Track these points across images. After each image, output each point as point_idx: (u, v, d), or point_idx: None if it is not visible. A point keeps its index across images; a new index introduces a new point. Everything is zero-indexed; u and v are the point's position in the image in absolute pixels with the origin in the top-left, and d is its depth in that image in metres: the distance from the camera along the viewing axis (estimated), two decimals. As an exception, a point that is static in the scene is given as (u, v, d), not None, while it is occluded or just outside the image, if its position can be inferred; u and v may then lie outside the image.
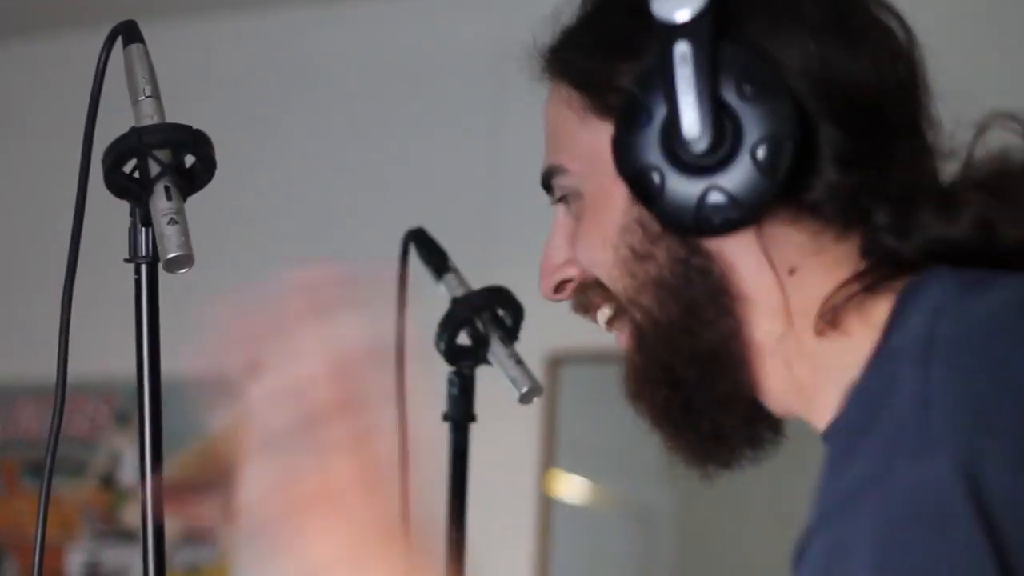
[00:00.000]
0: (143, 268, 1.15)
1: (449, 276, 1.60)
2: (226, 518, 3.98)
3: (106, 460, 4.13)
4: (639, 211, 1.11)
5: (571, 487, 3.81)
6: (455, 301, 1.56)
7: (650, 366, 1.14)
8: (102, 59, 1.18)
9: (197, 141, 1.14)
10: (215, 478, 4.01)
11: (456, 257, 1.63)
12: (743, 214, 1.06)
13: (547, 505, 3.70)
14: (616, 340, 1.17)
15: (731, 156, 1.05)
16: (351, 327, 1.04)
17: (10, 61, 4.48)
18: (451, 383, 1.57)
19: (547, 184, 1.21)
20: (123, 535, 4.07)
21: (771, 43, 1.08)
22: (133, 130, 1.14)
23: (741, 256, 1.10)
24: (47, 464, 1.16)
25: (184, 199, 1.13)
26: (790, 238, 1.10)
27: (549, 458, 3.70)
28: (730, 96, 1.05)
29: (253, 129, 4.10)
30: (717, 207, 1.06)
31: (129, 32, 1.19)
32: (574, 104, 1.17)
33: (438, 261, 1.61)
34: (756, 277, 1.10)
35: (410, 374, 1.64)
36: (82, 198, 1.18)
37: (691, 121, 1.05)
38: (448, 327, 1.54)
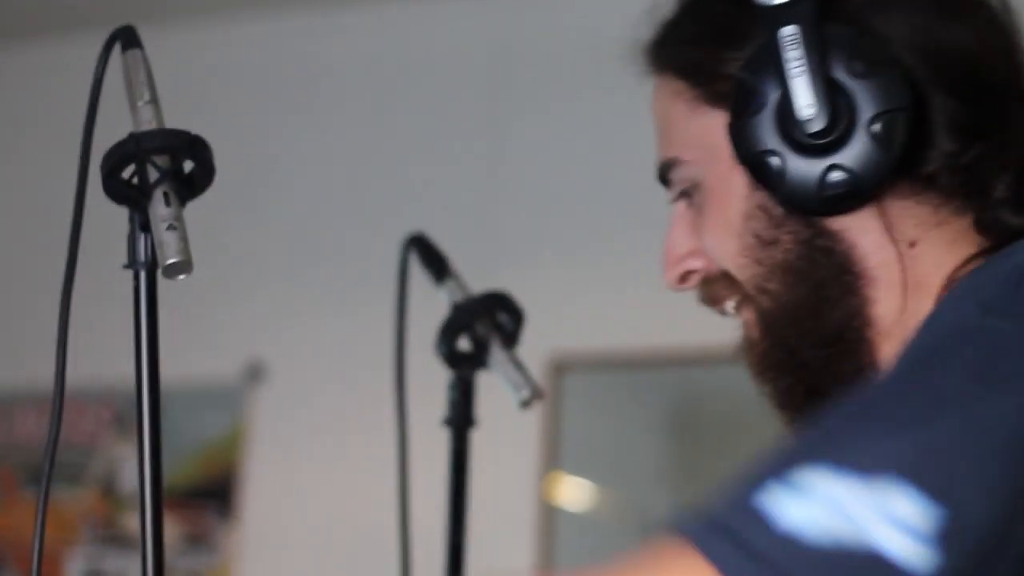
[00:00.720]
0: (142, 274, 1.14)
1: (449, 281, 1.60)
2: (226, 524, 3.97)
3: (105, 467, 4.12)
4: (760, 196, 1.12)
5: (572, 492, 3.80)
6: (455, 306, 1.56)
7: (777, 351, 1.14)
8: (100, 64, 1.18)
9: (196, 147, 1.14)
10: (215, 484, 4.01)
11: (456, 262, 1.63)
12: (864, 190, 1.08)
13: (548, 510, 3.69)
14: (742, 327, 1.18)
15: (848, 133, 1.07)
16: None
17: (8, 66, 4.48)
18: (452, 388, 1.57)
19: (664, 178, 1.20)
20: (122, 542, 4.07)
21: (875, 18, 1.09)
22: (132, 136, 1.14)
23: (863, 233, 1.11)
24: (46, 471, 1.16)
25: (183, 205, 1.12)
26: (910, 211, 1.11)
27: (551, 463, 3.70)
28: (841, 74, 1.07)
29: (252, 135, 4.10)
30: (839, 185, 1.08)
31: (128, 37, 1.18)
32: (683, 95, 1.17)
33: (438, 266, 1.61)
34: (878, 253, 1.11)
35: (410, 379, 1.64)
36: (80, 204, 1.17)
37: (805, 102, 1.06)
38: (448, 332, 1.54)
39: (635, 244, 3.83)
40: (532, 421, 3.62)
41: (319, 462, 3.91)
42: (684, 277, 1.20)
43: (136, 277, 1.14)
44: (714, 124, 1.13)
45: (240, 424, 4.01)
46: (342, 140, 4.11)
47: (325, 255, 4.04)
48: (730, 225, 1.14)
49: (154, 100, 1.16)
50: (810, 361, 1.13)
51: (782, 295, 1.12)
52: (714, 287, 1.18)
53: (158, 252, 1.10)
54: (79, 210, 1.17)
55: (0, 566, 4.19)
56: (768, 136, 1.09)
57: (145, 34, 1.21)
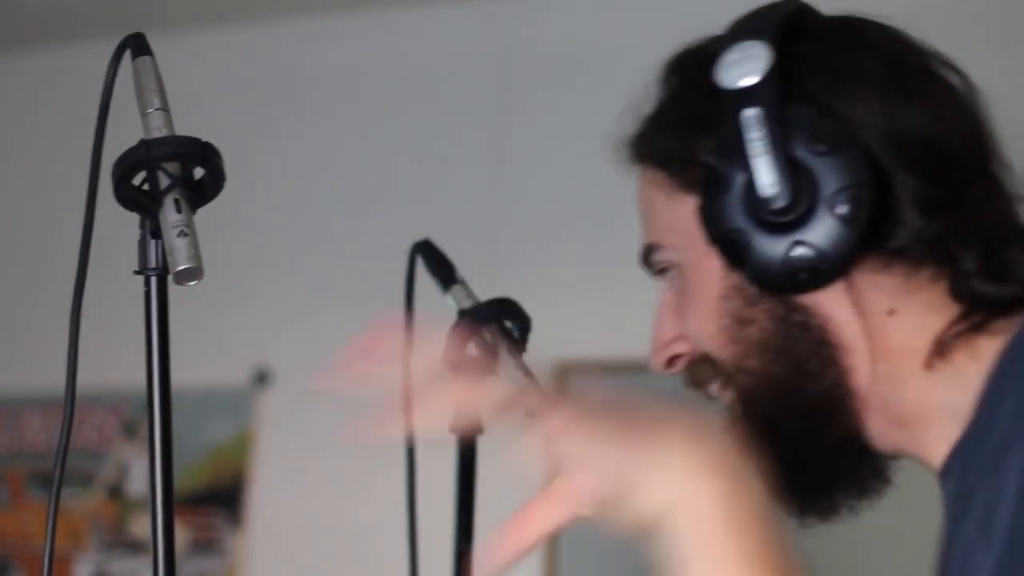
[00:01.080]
0: (153, 280, 1.15)
1: (456, 287, 1.60)
2: (233, 528, 3.98)
3: (114, 471, 4.13)
4: (735, 277, 1.14)
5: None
6: (462, 312, 1.56)
7: (759, 425, 1.16)
8: (111, 71, 1.18)
9: (206, 153, 1.14)
10: (222, 489, 4.01)
11: (460, 269, 1.64)
12: (830, 266, 1.10)
13: (554, 516, 3.69)
14: (727, 408, 1.20)
15: (811, 211, 1.09)
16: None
17: (19, 72, 4.48)
18: (459, 395, 1.56)
19: (647, 261, 1.25)
20: (131, 546, 4.07)
21: (836, 101, 1.12)
22: (142, 142, 1.14)
23: (836, 307, 1.13)
24: (56, 475, 1.16)
25: (194, 211, 1.13)
26: (882, 283, 1.13)
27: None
28: (802, 153, 1.09)
29: (259, 140, 4.11)
30: (804, 261, 1.10)
31: (138, 44, 1.19)
32: (661, 183, 1.21)
33: (445, 272, 1.61)
34: (853, 324, 1.13)
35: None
36: (91, 210, 1.17)
37: (767, 180, 1.09)
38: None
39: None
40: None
41: (326, 467, 3.91)
42: (670, 362, 1.24)
43: (147, 283, 1.15)
44: (689, 209, 1.17)
45: (247, 429, 4.01)
46: (348, 146, 4.12)
47: (332, 261, 4.04)
48: (709, 307, 1.17)
49: (164, 107, 1.16)
50: (793, 433, 1.15)
51: (761, 372, 1.15)
52: (698, 370, 1.21)
53: (169, 258, 1.11)
54: (90, 216, 1.17)
55: (8, 570, 4.19)
56: (735, 215, 1.12)
57: (156, 40, 1.21)
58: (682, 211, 1.18)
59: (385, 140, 4.08)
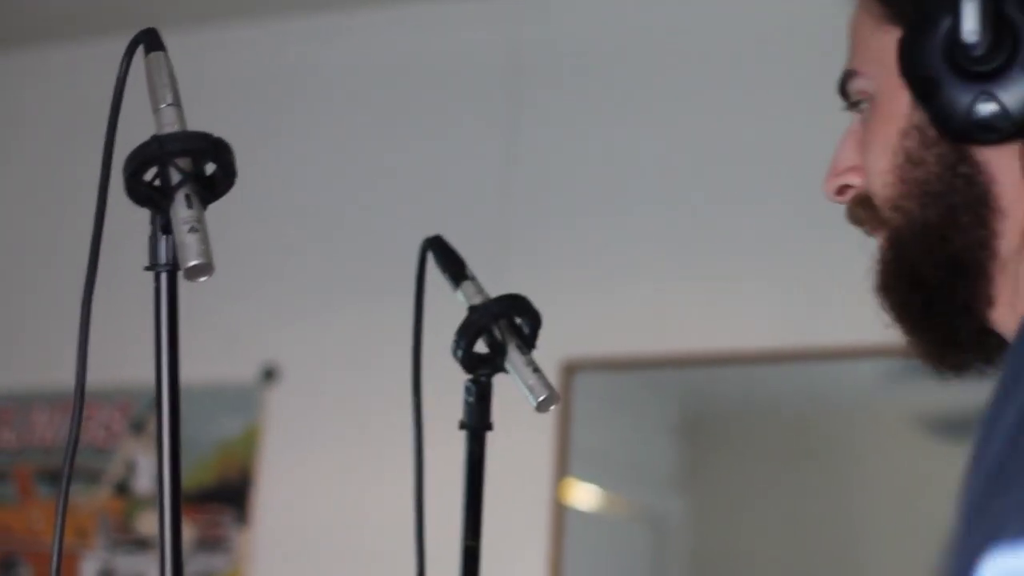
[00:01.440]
0: (163, 276, 1.15)
1: (467, 284, 1.60)
2: (240, 525, 3.98)
3: (121, 468, 4.13)
4: (918, 116, 1.16)
5: (584, 495, 3.81)
6: (473, 309, 1.56)
7: (901, 264, 1.19)
8: (123, 67, 1.18)
9: (218, 149, 1.14)
10: (229, 485, 4.02)
11: (471, 265, 1.64)
12: (1011, 125, 1.12)
13: (561, 513, 3.70)
14: (877, 250, 1.23)
15: (1006, 67, 1.12)
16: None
17: (32, 68, 4.49)
18: (468, 391, 1.57)
19: (843, 89, 1.26)
20: (138, 543, 4.08)
21: None
22: (154, 138, 1.14)
23: (1004, 170, 1.15)
24: (65, 473, 1.16)
25: (205, 207, 1.13)
26: None
27: (563, 466, 3.70)
28: (1013, 11, 1.12)
29: (268, 137, 4.11)
30: (987, 114, 1.12)
31: (151, 40, 1.19)
32: (873, 11, 1.22)
33: (456, 269, 1.61)
34: (1015, 190, 1.15)
35: (426, 382, 1.64)
36: (102, 206, 1.17)
37: (971, 26, 1.11)
38: (466, 335, 1.54)
39: (649, 247, 3.83)
40: (544, 424, 3.62)
41: (334, 464, 3.91)
42: (841, 190, 1.25)
43: (157, 279, 1.15)
44: (892, 42, 1.19)
45: (254, 426, 4.01)
46: (358, 142, 4.12)
47: (340, 258, 4.04)
48: (887, 141, 1.19)
49: (176, 102, 1.16)
50: (929, 280, 1.17)
51: (915, 213, 1.17)
52: (858, 210, 1.23)
53: (180, 254, 1.11)
54: (101, 212, 1.17)
55: (16, 566, 4.20)
56: (933, 54, 1.14)
57: (170, 36, 1.21)
58: (885, 42, 1.20)
59: (395, 137, 4.08)
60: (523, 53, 3.98)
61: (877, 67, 1.21)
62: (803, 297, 3.57)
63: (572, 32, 3.96)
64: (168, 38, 1.21)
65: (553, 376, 3.63)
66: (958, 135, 1.14)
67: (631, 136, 3.83)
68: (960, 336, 1.20)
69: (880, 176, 1.20)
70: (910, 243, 1.18)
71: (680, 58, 3.82)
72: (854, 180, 1.23)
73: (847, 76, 1.24)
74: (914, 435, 3.60)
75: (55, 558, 1.16)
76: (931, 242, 1.17)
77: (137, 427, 4.12)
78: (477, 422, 1.57)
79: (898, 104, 1.18)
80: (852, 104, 1.24)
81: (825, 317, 3.54)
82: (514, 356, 1.53)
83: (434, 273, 1.62)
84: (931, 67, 1.14)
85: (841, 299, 3.52)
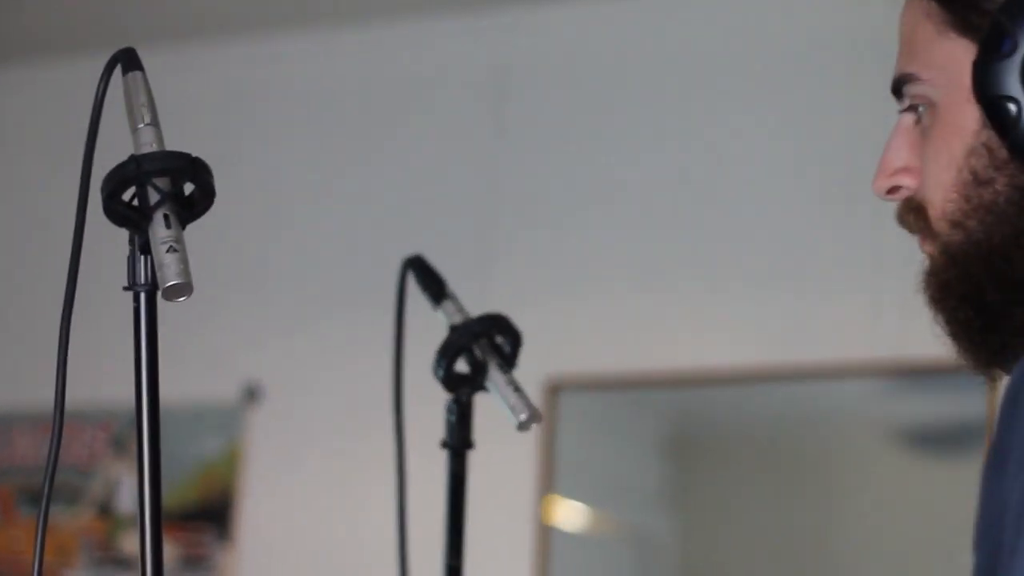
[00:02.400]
0: (142, 296, 1.14)
1: (447, 303, 1.60)
2: (223, 545, 3.97)
3: (103, 487, 4.12)
4: (988, 135, 1.14)
5: (570, 514, 3.80)
6: (453, 328, 1.56)
7: (963, 284, 1.17)
8: (101, 86, 1.18)
9: (197, 169, 1.14)
10: (212, 505, 4.01)
11: (451, 285, 1.63)
12: None
13: (545, 532, 3.69)
14: (922, 250, 1.21)
15: None
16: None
17: (9, 86, 4.48)
18: (449, 410, 1.57)
19: (898, 90, 1.23)
20: (120, 563, 4.06)
21: None
22: (132, 158, 1.14)
23: None
24: (45, 492, 1.16)
25: (183, 227, 1.12)
26: None
27: (547, 484, 3.69)
28: None
29: (249, 154, 4.11)
30: None
31: (128, 59, 1.19)
32: (934, 16, 1.19)
33: (436, 288, 1.61)
34: None
35: (408, 401, 1.64)
36: (81, 225, 1.17)
37: None
38: (447, 354, 1.54)
39: (632, 265, 3.84)
40: (529, 443, 3.62)
41: (316, 484, 3.91)
42: (892, 190, 1.23)
43: (136, 299, 1.14)
44: (959, 52, 1.16)
45: (237, 445, 4.00)
46: (340, 161, 4.11)
47: (322, 277, 4.04)
48: (953, 157, 1.17)
49: (155, 122, 1.16)
50: (991, 301, 1.16)
51: (977, 233, 1.16)
52: (907, 214, 1.22)
53: (158, 274, 1.10)
54: (79, 231, 1.17)
55: (-3, 587, 4.18)
56: (1011, 82, 1.12)
57: (147, 54, 1.21)
58: (953, 51, 1.18)
59: (376, 154, 4.08)
60: (505, 70, 3.98)
61: (941, 75, 1.18)
62: (788, 316, 3.57)
63: (553, 49, 3.96)
64: (146, 58, 1.21)
65: (537, 395, 3.64)
66: None
67: (613, 153, 3.84)
68: (1014, 353, 1.18)
69: (941, 190, 1.18)
70: (974, 262, 1.16)
71: (661, 74, 3.82)
72: (908, 182, 1.21)
73: (906, 78, 1.21)
74: (899, 453, 3.60)
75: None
76: (995, 264, 1.15)
77: (119, 447, 4.11)
78: (458, 441, 1.57)
79: (965, 118, 1.16)
80: (909, 108, 1.22)
81: (810, 335, 3.54)
82: (495, 375, 1.53)
83: (416, 291, 1.62)
84: (1010, 95, 1.12)
85: (826, 317, 3.53)
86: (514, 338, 1.56)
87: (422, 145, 4.04)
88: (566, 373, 3.66)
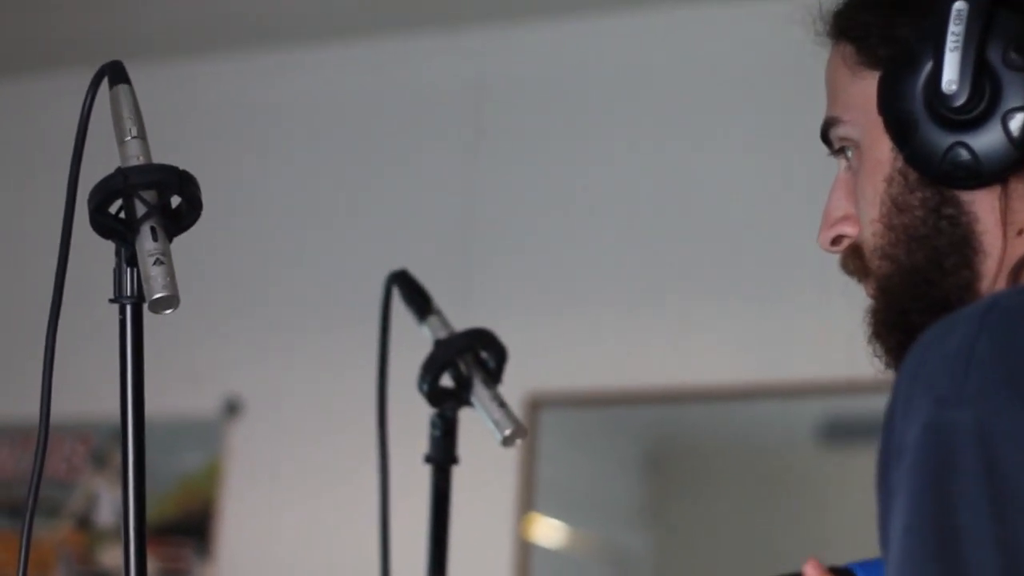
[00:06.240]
0: (128, 308, 1.14)
1: (432, 318, 1.60)
2: (203, 559, 3.96)
3: (82, 501, 4.11)
4: (900, 161, 1.16)
5: (549, 531, 3.80)
6: (438, 343, 1.56)
7: (890, 312, 1.18)
8: (88, 99, 1.18)
9: (183, 182, 1.14)
10: (192, 519, 4.00)
11: (437, 299, 1.64)
12: (982, 174, 1.12)
13: (525, 549, 3.69)
14: (867, 294, 1.22)
15: (983, 118, 1.11)
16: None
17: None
18: (434, 425, 1.57)
19: (825, 136, 1.24)
20: (98, 576, 4.05)
21: None
22: (119, 171, 1.14)
23: (986, 211, 1.14)
24: (29, 506, 1.16)
25: (170, 240, 1.12)
26: None
27: (527, 501, 3.69)
28: (995, 60, 1.11)
29: (232, 170, 4.10)
30: (960, 163, 1.12)
31: (115, 73, 1.19)
32: (848, 59, 1.21)
33: (421, 303, 1.61)
34: (994, 232, 1.14)
35: (392, 416, 1.64)
36: (67, 238, 1.17)
37: (951, 76, 1.10)
38: (431, 369, 1.54)
39: (613, 282, 3.84)
40: (509, 460, 3.62)
41: (297, 498, 3.90)
42: (836, 241, 1.23)
43: (122, 311, 1.14)
44: (871, 87, 1.18)
45: (217, 459, 4.00)
46: (321, 175, 4.12)
47: (304, 291, 4.04)
48: (876, 191, 1.18)
49: (142, 135, 1.16)
50: (918, 325, 1.14)
51: (902, 260, 1.17)
52: (847, 259, 1.23)
53: (145, 286, 1.10)
54: (66, 244, 1.17)
55: (-26, 600, 4.16)
56: (911, 97, 1.13)
57: (133, 69, 1.21)
58: (867, 89, 1.19)
59: (359, 170, 4.08)
60: (486, 87, 3.98)
61: (860, 114, 1.20)
62: (766, 334, 3.58)
63: (534, 66, 3.97)
64: (133, 72, 1.21)
65: (518, 410, 3.63)
66: (935, 178, 1.14)
67: (594, 171, 3.84)
68: None
69: (870, 226, 1.19)
70: (899, 290, 1.17)
71: (642, 92, 3.83)
72: (849, 230, 1.22)
73: (829, 123, 1.23)
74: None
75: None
76: (918, 287, 1.16)
77: (99, 460, 4.10)
78: (443, 456, 1.57)
79: (882, 151, 1.18)
80: (836, 151, 1.23)
81: (788, 353, 3.55)
82: (480, 390, 1.53)
83: (400, 306, 1.62)
84: (909, 110, 1.14)
85: (804, 335, 3.54)
86: (499, 353, 1.56)
87: (404, 161, 4.04)
88: (546, 390, 3.66)
